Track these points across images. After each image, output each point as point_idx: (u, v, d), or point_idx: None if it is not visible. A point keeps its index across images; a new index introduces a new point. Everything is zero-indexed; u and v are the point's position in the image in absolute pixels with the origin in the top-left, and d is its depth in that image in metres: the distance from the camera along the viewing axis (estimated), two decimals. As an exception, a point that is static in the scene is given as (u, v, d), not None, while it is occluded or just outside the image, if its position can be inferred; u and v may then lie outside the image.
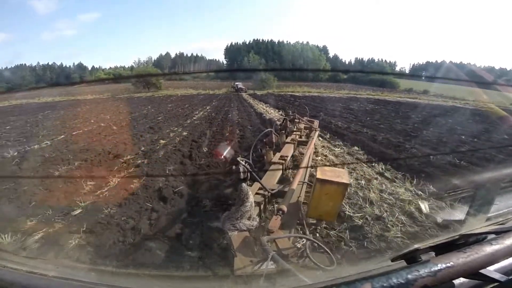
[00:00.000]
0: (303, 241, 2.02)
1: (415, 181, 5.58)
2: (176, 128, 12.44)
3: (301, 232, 2.77)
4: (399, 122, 15.19)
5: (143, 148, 8.66)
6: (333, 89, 54.57)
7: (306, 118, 7.83)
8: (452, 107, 29.51)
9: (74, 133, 11.87)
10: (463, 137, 11.32)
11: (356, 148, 8.52)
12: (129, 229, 3.98)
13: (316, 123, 7.53)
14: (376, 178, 5.80)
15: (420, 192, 5.15)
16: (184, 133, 11.21)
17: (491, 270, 0.78)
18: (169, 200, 4.85)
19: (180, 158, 7.53)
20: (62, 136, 11.06)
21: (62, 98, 37.52)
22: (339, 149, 8.43)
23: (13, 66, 78.07)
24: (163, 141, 9.62)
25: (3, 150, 8.69)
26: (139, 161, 7.25)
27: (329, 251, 1.86)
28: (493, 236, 0.88)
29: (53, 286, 0.90)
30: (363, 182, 5.50)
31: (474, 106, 32.21)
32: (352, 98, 37.13)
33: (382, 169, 6.45)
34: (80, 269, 2.40)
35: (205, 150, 8.34)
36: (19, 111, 22.34)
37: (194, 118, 16.16)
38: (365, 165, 6.75)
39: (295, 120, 7.10)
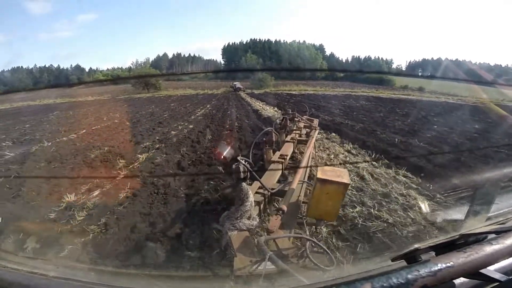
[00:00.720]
0: (303, 241, 2.02)
1: (373, 155, 7.42)
2: (182, 123, 14.14)
3: (301, 232, 2.78)
4: (381, 116, 17.02)
5: (158, 138, 10.42)
6: (329, 87, 55.06)
7: (306, 117, 7.81)
8: (441, 103, 30.74)
9: (93, 128, 13.58)
10: (435, 126, 12.94)
11: (333, 134, 10.37)
12: (160, 185, 5.59)
13: (316, 122, 7.51)
14: (343, 153, 7.75)
15: (374, 163, 6.72)
16: (190, 126, 13.01)
17: (491, 270, 0.79)
18: (186, 168, 6.87)
19: (190, 143, 9.41)
20: (84, 131, 12.73)
21: (63, 100, 38.01)
22: (319, 135, 9.61)
23: (10, 69, 77.48)
24: (174, 132, 11.51)
25: (38, 142, 10.27)
26: (157, 146, 9.09)
27: (329, 251, 1.87)
28: (493, 236, 0.88)
29: (53, 286, 0.90)
30: (332, 156, 7.32)
31: (466, 102, 33.36)
32: (346, 95, 38.06)
33: (350, 147, 8.46)
34: (80, 269, 2.40)
35: (209, 138, 10.31)
36: (27, 112, 23.09)
37: (197, 114, 17.82)
38: (337, 145, 8.79)
39: (295, 119, 7.09)
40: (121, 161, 7.42)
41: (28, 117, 19.17)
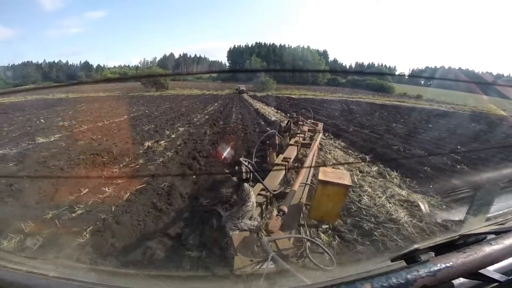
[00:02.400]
0: (304, 241, 2.02)
1: (340, 140, 10.08)
2: (199, 115, 17.87)
3: (301, 233, 2.77)
4: (358, 116, 19.97)
5: (185, 122, 14.24)
6: (328, 92, 56.86)
7: (310, 120, 7.79)
8: (428, 109, 33.06)
9: (131, 115, 17.32)
10: (417, 128, 15.24)
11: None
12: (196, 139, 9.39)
13: (320, 125, 7.47)
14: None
15: (348, 148, 9.15)
16: (206, 117, 16.89)
17: (491, 270, 0.78)
18: (208, 135, 10.74)
19: (208, 125, 13.22)
20: (125, 117, 16.46)
21: (75, 95, 39.79)
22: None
23: (19, 64, 78.24)
24: (196, 119, 15.55)
25: (96, 122, 13.99)
26: (187, 126, 13.00)
27: (328, 252, 1.86)
28: (492, 236, 0.87)
29: (53, 286, 0.90)
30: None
31: (456, 109, 35.78)
32: (341, 100, 40.95)
33: (326, 135, 10.44)
34: (80, 269, 2.40)
35: (221, 123, 14.25)
36: (53, 104, 25.69)
37: (209, 110, 21.60)
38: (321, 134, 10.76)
39: (299, 122, 7.07)
40: (167, 132, 10.86)
41: (61, 107, 22.14)
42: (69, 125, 12.86)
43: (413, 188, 5.48)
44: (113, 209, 4.27)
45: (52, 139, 9.56)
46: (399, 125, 15.87)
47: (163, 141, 9.10)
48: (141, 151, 7.94)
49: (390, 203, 4.62)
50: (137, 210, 4.23)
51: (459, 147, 10.29)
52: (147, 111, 19.43)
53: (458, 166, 7.18)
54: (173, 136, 10.22)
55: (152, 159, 7.10)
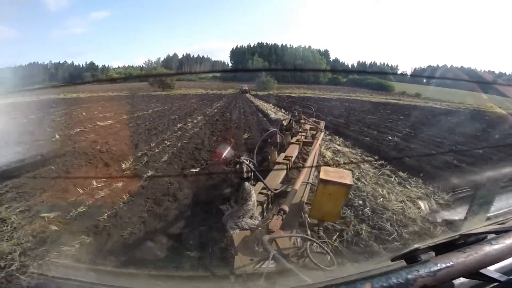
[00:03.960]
0: (304, 241, 2.01)
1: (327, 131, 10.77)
2: (209, 109, 21.70)
3: (302, 232, 2.76)
4: (342, 110, 23.20)
5: (199, 113, 18.18)
6: (328, 91, 57.36)
7: (312, 119, 7.75)
8: (417, 106, 34.01)
9: (155, 109, 20.89)
10: (385, 119, 17.91)
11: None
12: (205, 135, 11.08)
13: (322, 124, 7.40)
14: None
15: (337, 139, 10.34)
16: (215, 111, 20.58)
17: (491, 270, 0.78)
18: (219, 121, 14.95)
19: (218, 116, 16.89)
20: (151, 111, 19.64)
21: (85, 94, 41.62)
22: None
23: (26, 64, 78.48)
24: (207, 112, 19.32)
25: (125, 115, 16.88)
26: (202, 116, 16.67)
27: (329, 252, 1.85)
28: (493, 235, 0.87)
29: (53, 286, 0.89)
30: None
31: (451, 107, 36.45)
32: (338, 99, 42.54)
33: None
34: (80, 269, 2.40)
35: (228, 115, 17.74)
36: (79, 102, 28.69)
37: (217, 106, 25.24)
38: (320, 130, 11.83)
39: (301, 120, 7.04)
40: (189, 120, 14.81)
41: (85, 105, 24.65)
42: (110, 116, 16.18)
43: (348, 146, 9.15)
44: (175, 149, 8.35)
45: (108, 123, 13.45)
46: (373, 117, 19.10)
47: (189, 124, 13.40)
48: (176, 129, 11.88)
49: (327, 150, 7.95)
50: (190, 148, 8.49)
51: (407, 129, 13.13)
52: (165, 107, 23.30)
53: (390, 138, 10.90)
54: (194, 121, 14.35)
55: (186, 131, 11.36)
